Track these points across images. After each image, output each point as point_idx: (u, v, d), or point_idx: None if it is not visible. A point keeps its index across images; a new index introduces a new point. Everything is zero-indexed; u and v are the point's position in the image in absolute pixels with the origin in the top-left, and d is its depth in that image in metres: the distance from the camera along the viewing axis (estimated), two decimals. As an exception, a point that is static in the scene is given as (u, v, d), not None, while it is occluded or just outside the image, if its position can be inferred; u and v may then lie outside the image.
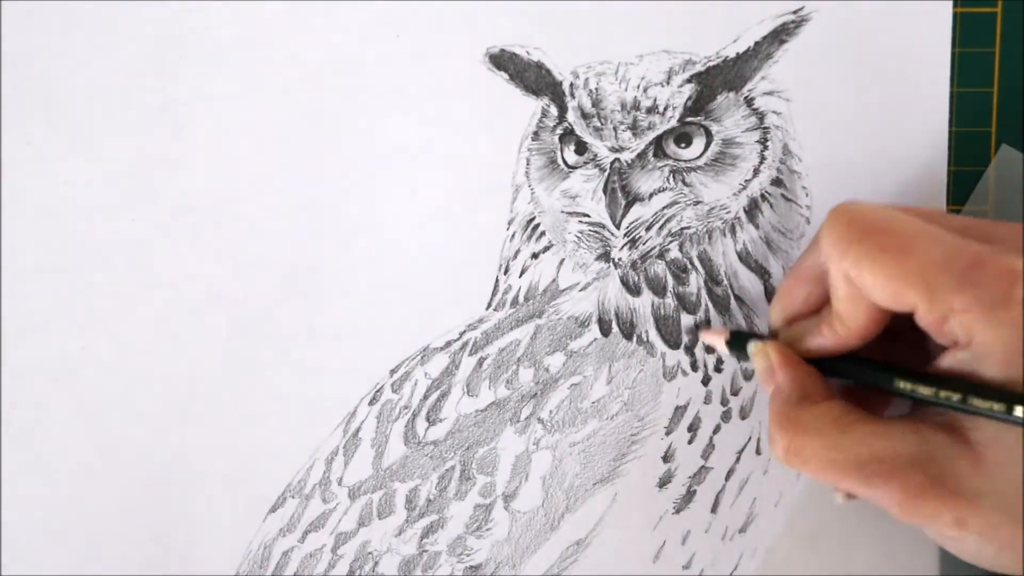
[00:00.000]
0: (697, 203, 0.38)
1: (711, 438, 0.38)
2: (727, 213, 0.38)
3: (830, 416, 0.31)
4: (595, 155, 0.38)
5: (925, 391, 0.30)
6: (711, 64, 0.38)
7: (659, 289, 0.38)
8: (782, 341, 0.34)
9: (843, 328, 0.32)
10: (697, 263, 0.38)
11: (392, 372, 0.39)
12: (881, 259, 0.29)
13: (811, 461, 0.31)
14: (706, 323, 0.38)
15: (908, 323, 0.30)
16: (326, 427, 0.40)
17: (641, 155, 0.38)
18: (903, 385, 0.31)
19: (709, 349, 0.38)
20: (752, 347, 0.34)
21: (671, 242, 0.38)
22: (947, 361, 0.30)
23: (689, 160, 0.38)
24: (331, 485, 0.39)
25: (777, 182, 0.38)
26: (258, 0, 0.39)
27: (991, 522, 0.28)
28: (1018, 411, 0.28)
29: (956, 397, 0.29)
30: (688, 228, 0.38)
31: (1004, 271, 0.28)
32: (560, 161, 0.39)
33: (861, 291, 0.30)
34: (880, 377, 0.32)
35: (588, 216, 0.38)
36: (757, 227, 0.38)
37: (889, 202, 0.38)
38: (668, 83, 0.37)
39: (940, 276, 0.28)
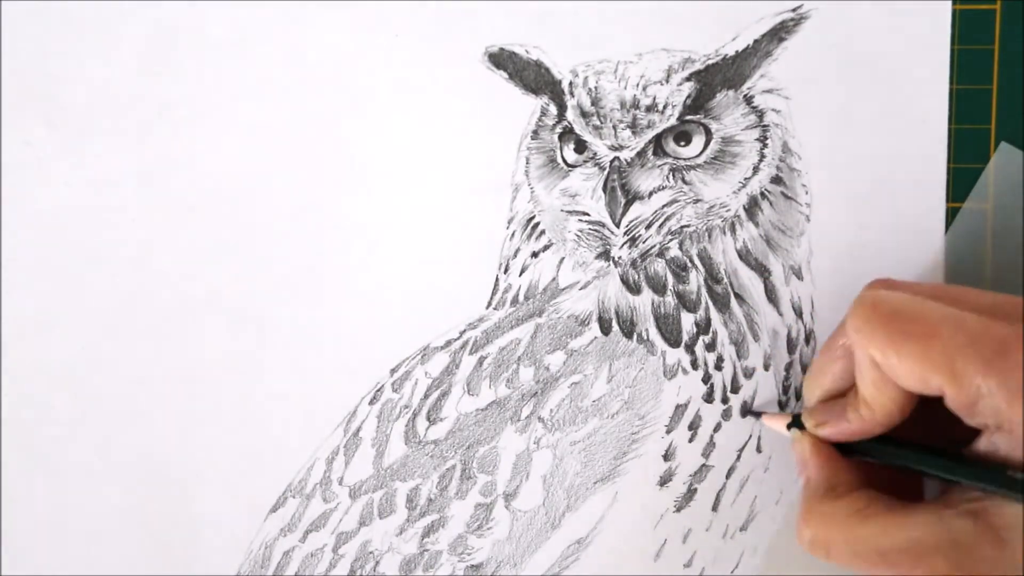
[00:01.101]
0: (697, 201, 0.38)
1: (712, 436, 0.38)
2: (727, 211, 0.38)
3: (853, 508, 0.32)
4: (595, 154, 0.38)
5: (949, 476, 0.31)
6: (710, 62, 0.38)
7: (659, 287, 0.38)
8: (810, 425, 0.34)
9: (868, 412, 0.32)
10: (697, 261, 0.38)
11: (392, 371, 0.39)
12: (906, 345, 0.30)
13: (835, 553, 0.31)
14: (765, 411, 0.38)
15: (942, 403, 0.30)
16: (326, 427, 0.40)
17: (641, 153, 0.38)
18: (927, 468, 0.31)
19: (709, 347, 0.38)
20: (792, 435, 0.35)
21: (671, 240, 0.38)
22: (982, 444, 0.30)
23: (689, 158, 0.38)
24: (332, 485, 0.39)
25: (777, 180, 0.38)
26: (258, 0, 0.39)
27: None
28: None
29: (979, 484, 0.30)
30: (688, 226, 0.38)
31: None
32: (560, 160, 0.39)
33: (887, 376, 0.30)
34: (908, 458, 0.32)
35: (588, 215, 0.38)
36: (757, 225, 0.38)
37: (889, 199, 0.38)
38: (667, 81, 0.37)
39: (966, 361, 0.29)
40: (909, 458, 0.32)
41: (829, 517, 0.32)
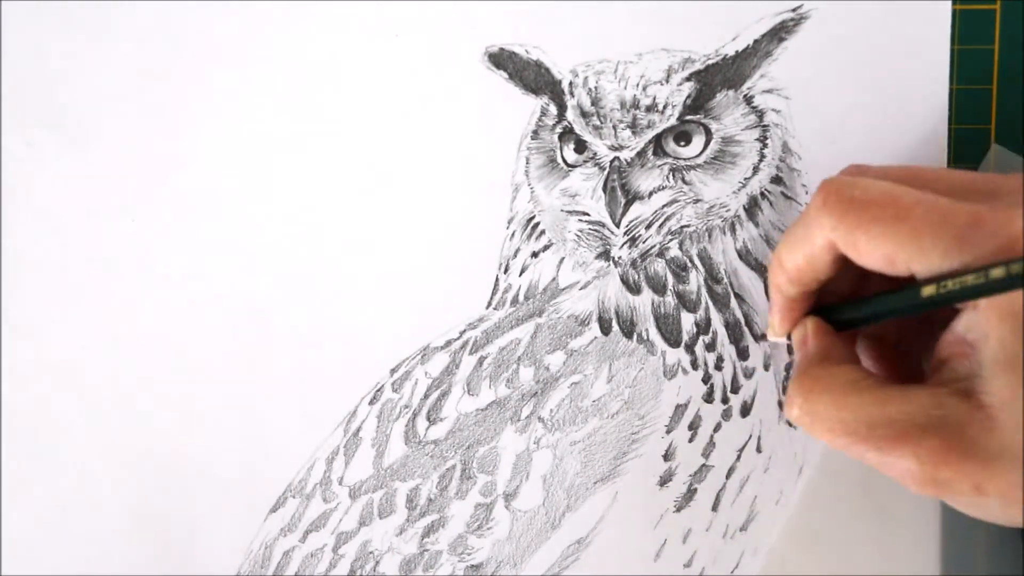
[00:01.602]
0: (697, 201, 0.38)
1: (712, 436, 0.38)
2: (727, 211, 0.38)
3: (847, 377, 0.31)
4: (595, 154, 0.38)
5: (952, 284, 0.29)
6: (710, 62, 0.38)
7: (659, 287, 0.38)
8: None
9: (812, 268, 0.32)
10: (697, 261, 0.38)
11: (392, 371, 0.39)
12: (875, 227, 0.29)
13: (820, 423, 0.30)
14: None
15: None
16: (326, 427, 0.40)
17: (641, 153, 0.38)
18: (928, 291, 0.29)
19: (709, 347, 0.38)
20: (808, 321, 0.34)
21: (671, 240, 0.38)
22: (959, 323, 0.29)
23: (689, 158, 0.38)
24: (332, 485, 0.39)
25: (777, 180, 0.38)
26: (258, 0, 0.39)
27: (1011, 482, 0.28)
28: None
29: (973, 279, 0.28)
30: (688, 226, 0.38)
31: (1001, 225, 0.28)
32: (560, 160, 0.39)
33: (846, 258, 0.30)
34: (890, 301, 0.31)
35: (588, 215, 0.38)
36: (757, 225, 0.38)
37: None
38: (667, 81, 0.38)
39: (935, 239, 0.28)
40: (892, 301, 0.31)
41: (824, 383, 0.31)
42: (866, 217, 0.29)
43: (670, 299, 0.38)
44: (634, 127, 0.37)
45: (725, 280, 0.38)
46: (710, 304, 0.38)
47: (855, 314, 0.33)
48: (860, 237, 0.29)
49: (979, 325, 0.29)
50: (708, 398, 0.38)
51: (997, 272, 0.27)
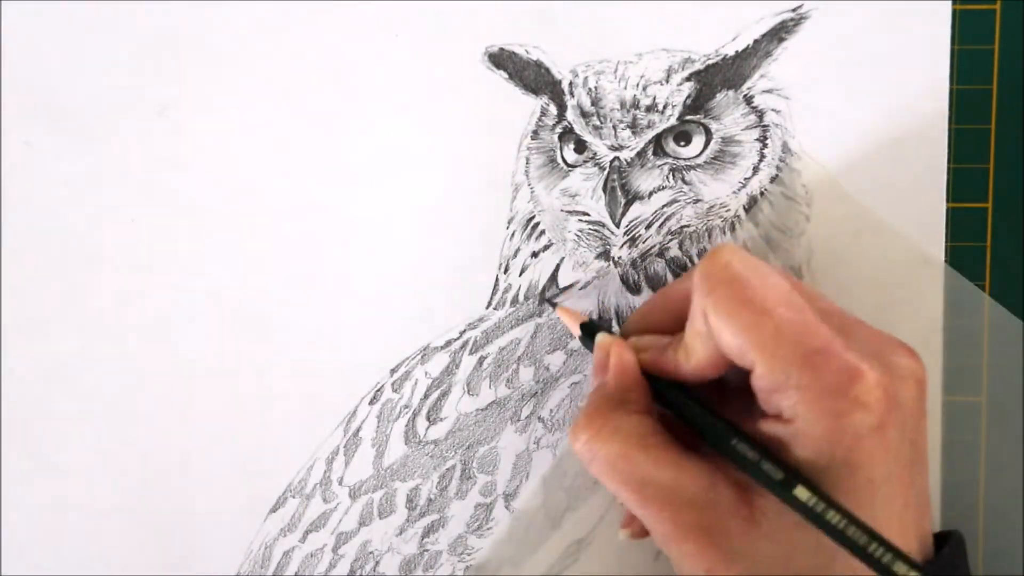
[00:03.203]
0: (697, 201, 0.38)
1: (712, 436, 0.38)
2: (727, 211, 0.38)
3: (637, 429, 0.31)
4: (595, 154, 0.38)
5: (740, 450, 0.30)
6: (710, 62, 0.38)
7: (659, 287, 0.38)
8: (632, 346, 0.34)
9: (684, 358, 0.32)
10: (697, 261, 0.38)
11: (392, 371, 0.39)
12: (739, 311, 0.29)
13: (601, 463, 0.31)
14: (561, 304, 0.38)
15: (747, 380, 0.30)
16: (326, 427, 0.40)
17: (640, 153, 0.38)
18: (718, 435, 0.31)
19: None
20: (600, 337, 0.34)
21: (671, 240, 0.38)
22: (765, 427, 0.30)
23: (688, 158, 0.38)
24: (332, 485, 0.39)
25: (776, 180, 0.38)
26: (258, 0, 0.39)
27: None
28: (800, 492, 0.28)
29: (751, 455, 0.29)
30: (688, 226, 0.38)
31: (848, 367, 0.28)
32: (560, 160, 0.39)
33: (712, 333, 0.30)
34: (694, 415, 0.32)
35: (588, 215, 0.38)
36: (757, 225, 0.38)
37: (889, 199, 0.38)
38: (667, 81, 0.38)
39: (787, 347, 0.29)
40: (695, 415, 0.32)
41: (613, 428, 0.31)
42: (736, 297, 0.30)
43: (670, 299, 0.38)
44: (634, 127, 0.37)
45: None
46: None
47: (683, 408, 0.32)
48: (723, 316, 0.30)
49: (787, 438, 0.29)
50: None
51: (879, 554, 0.27)
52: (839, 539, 0.28)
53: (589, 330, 0.36)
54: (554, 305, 0.38)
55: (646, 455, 0.31)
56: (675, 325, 0.33)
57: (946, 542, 0.31)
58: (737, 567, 0.29)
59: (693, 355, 0.31)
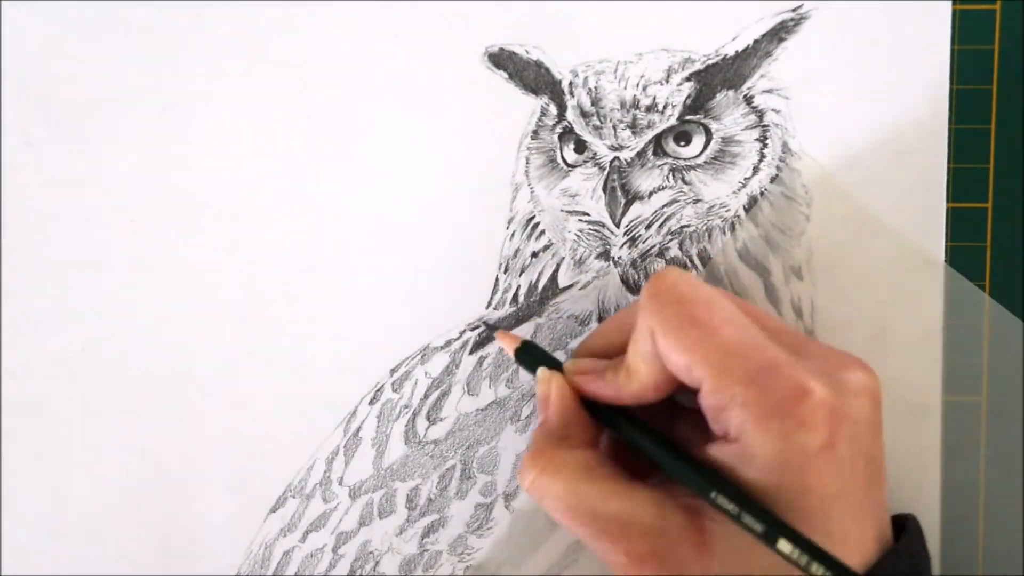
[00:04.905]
0: (697, 201, 0.38)
1: (712, 436, 0.38)
2: (727, 211, 0.38)
3: (581, 464, 0.31)
4: (595, 154, 0.38)
5: (679, 473, 0.30)
6: (710, 62, 0.38)
7: (659, 287, 0.38)
8: (569, 370, 0.34)
9: (626, 380, 0.32)
10: (697, 261, 0.38)
11: (392, 371, 0.39)
12: (687, 329, 0.29)
13: (550, 500, 0.31)
14: (504, 327, 0.38)
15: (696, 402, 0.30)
16: (326, 427, 0.40)
17: (640, 153, 0.38)
18: (661, 458, 0.31)
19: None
20: (540, 373, 0.34)
21: (671, 240, 0.38)
22: (714, 450, 0.30)
23: (689, 158, 0.38)
24: (332, 485, 0.39)
25: (777, 180, 0.38)
26: (257, 0, 0.39)
27: None
28: (749, 521, 0.28)
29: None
30: (688, 226, 0.38)
31: (795, 386, 0.28)
32: (559, 160, 0.39)
33: (657, 352, 0.30)
34: (638, 438, 0.32)
35: (588, 215, 0.38)
36: (757, 225, 0.38)
37: (889, 199, 0.38)
38: (667, 81, 0.38)
39: (734, 365, 0.29)
40: (640, 439, 0.32)
41: (557, 464, 0.31)
42: (684, 315, 0.30)
43: (670, 299, 0.38)
44: (634, 127, 0.37)
45: (725, 280, 0.38)
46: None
47: (617, 427, 0.33)
48: (670, 335, 0.30)
49: (728, 461, 0.29)
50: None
51: None
52: None
53: (529, 354, 0.36)
54: (494, 329, 0.38)
55: (593, 488, 0.31)
56: (620, 349, 0.33)
57: (903, 529, 0.31)
58: None
59: (636, 377, 0.31)
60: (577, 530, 0.31)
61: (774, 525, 0.28)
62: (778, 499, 0.28)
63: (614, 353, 0.34)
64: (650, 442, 0.32)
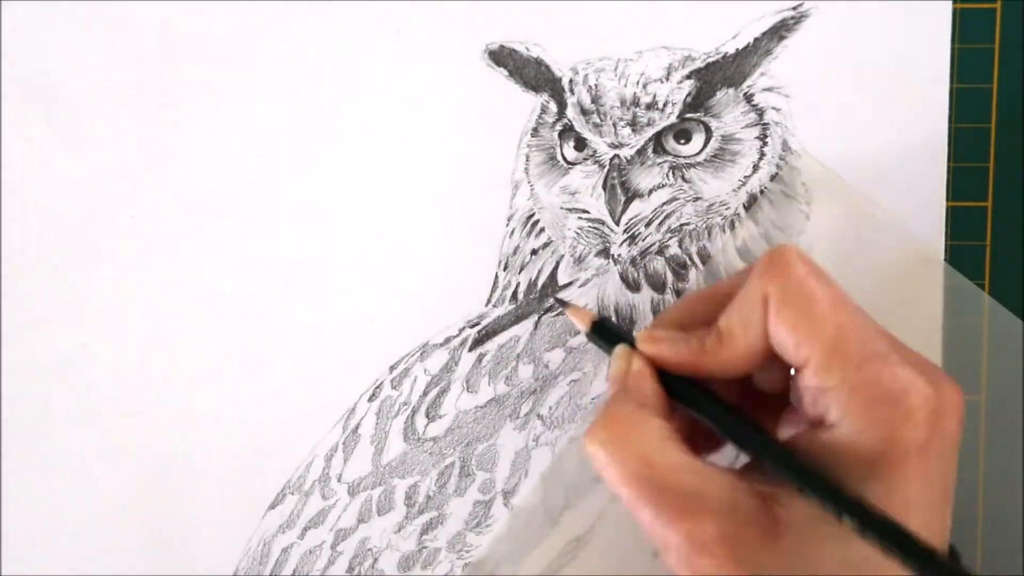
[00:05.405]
0: (696, 199, 0.38)
1: (711, 434, 0.38)
2: (727, 209, 0.38)
3: (657, 433, 0.29)
4: (594, 151, 0.38)
5: (767, 454, 0.29)
6: (710, 60, 0.38)
7: (658, 285, 0.38)
8: (644, 339, 0.32)
9: (716, 348, 0.30)
10: (696, 259, 0.38)
11: (392, 368, 0.39)
12: (804, 304, 0.29)
13: (616, 467, 0.29)
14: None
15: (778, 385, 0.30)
16: (325, 424, 0.40)
17: (640, 151, 0.38)
18: (746, 437, 0.30)
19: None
20: (619, 349, 0.32)
21: (670, 238, 0.38)
22: (805, 433, 0.29)
23: (688, 156, 0.38)
24: (331, 482, 0.39)
25: (776, 178, 0.38)
26: (258, -3, 0.39)
27: None
28: (847, 519, 0.26)
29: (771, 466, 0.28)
30: (687, 224, 0.38)
31: (906, 378, 0.28)
32: (559, 157, 0.39)
33: (762, 320, 0.29)
34: (720, 417, 0.30)
35: (587, 212, 0.38)
36: (756, 223, 0.38)
37: (889, 199, 0.38)
38: (667, 79, 0.38)
39: (847, 347, 0.28)
40: (722, 417, 0.30)
41: (632, 431, 0.29)
42: (807, 291, 0.29)
43: (669, 297, 0.38)
44: (634, 125, 0.37)
45: (724, 278, 0.38)
46: (710, 302, 0.38)
47: (708, 409, 0.31)
48: (787, 304, 0.29)
49: (827, 447, 0.28)
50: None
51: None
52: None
53: (603, 331, 0.34)
54: (565, 304, 0.36)
55: (665, 459, 0.29)
56: (704, 317, 0.32)
57: (952, 556, 0.30)
58: None
59: (728, 343, 0.30)
60: (639, 503, 0.28)
61: (878, 522, 0.26)
62: (863, 492, 0.27)
63: (693, 327, 0.32)
64: (733, 420, 0.30)
